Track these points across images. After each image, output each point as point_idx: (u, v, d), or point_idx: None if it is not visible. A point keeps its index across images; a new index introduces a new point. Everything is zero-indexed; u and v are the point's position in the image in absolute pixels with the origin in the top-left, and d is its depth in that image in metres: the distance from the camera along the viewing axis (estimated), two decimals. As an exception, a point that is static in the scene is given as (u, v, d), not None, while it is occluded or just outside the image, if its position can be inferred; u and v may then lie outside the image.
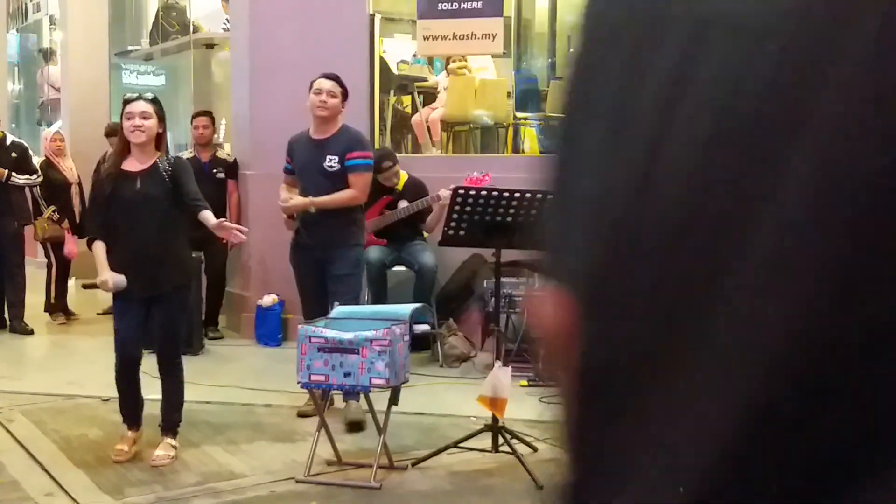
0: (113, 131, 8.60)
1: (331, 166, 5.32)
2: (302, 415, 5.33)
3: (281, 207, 5.51)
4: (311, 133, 5.44)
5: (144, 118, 4.51)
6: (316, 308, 5.27)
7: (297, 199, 5.35)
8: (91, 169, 8.21)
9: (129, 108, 4.55)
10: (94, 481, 4.39)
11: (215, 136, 8.17)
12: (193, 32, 10.14)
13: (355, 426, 5.05)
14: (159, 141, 4.62)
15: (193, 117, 7.99)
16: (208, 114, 8.01)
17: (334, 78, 5.38)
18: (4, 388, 6.06)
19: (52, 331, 8.20)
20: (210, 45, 10.04)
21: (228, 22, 9.26)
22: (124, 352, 4.65)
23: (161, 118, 4.62)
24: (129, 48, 11.33)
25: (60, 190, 8.36)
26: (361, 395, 4.72)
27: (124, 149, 4.60)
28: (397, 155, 7.32)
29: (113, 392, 5.24)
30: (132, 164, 4.56)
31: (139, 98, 4.62)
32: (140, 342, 4.66)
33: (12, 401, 5.73)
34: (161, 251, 4.51)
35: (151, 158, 4.56)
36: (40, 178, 8.21)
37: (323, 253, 5.32)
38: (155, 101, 4.64)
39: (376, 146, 7.76)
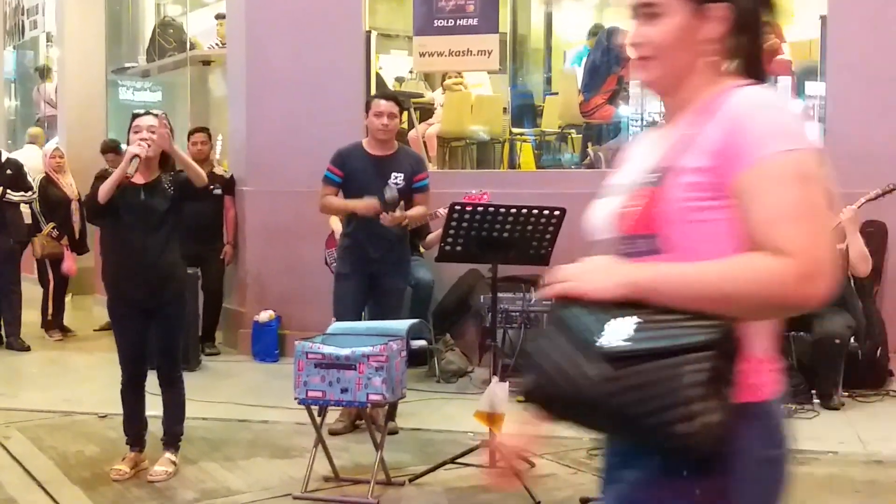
0: (109, 148, 8.64)
1: (396, 183, 5.37)
2: (333, 433, 5.23)
3: (375, 213, 5.23)
4: (367, 149, 5.45)
5: (151, 132, 4.55)
6: (352, 319, 5.29)
7: (398, 213, 5.26)
8: (88, 185, 8.21)
9: (137, 122, 4.60)
10: (91, 498, 4.38)
11: (212, 152, 8.18)
12: (190, 49, 10.17)
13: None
14: (165, 157, 4.63)
15: (190, 134, 8.01)
16: (205, 130, 8.03)
17: (392, 97, 5.47)
18: (1, 405, 6.05)
19: (48, 347, 8.18)
20: (207, 62, 10.07)
21: (222, 45, 9.27)
22: (131, 366, 4.66)
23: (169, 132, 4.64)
24: (126, 65, 11.35)
25: (60, 206, 8.38)
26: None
27: None
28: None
29: (110, 408, 5.26)
30: (136, 177, 4.59)
31: (147, 113, 4.66)
32: (144, 355, 4.68)
33: (9, 418, 5.72)
34: (158, 263, 4.57)
35: (155, 172, 4.60)
36: (35, 196, 8.21)
37: (380, 266, 5.39)
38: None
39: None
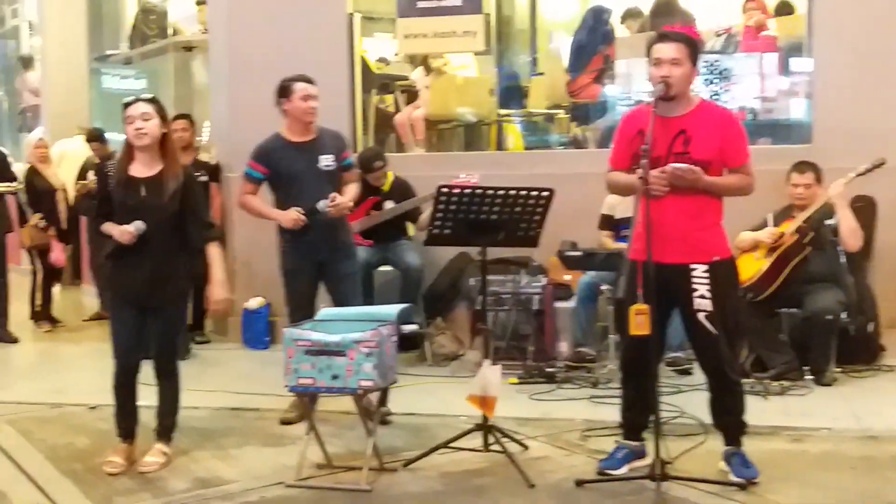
0: (94, 136, 8.57)
1: (328, 166, 5.31)
2: (284, 422, 5.29)
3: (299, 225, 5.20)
4: (289, 137, 5.35)
5: (145, 120, 4.45)
6: (307, 312, 5.24)
7: (342, 200, 5.22)
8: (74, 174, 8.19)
9: (128, 111, 4.45)
10: (82, 490, 4.35)
11: (197, 139, 8.10)
12: (172, 35, 10.07)
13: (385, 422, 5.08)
14: (165, 143, 4.51)
15: (171, 121, 7.91)
16: (187, 117, 7.94)
17: (313, 81, 5.35)
18: (-10, 398, 6.01)
19: (37, 339, 8.13)
20: (189, 48, 9.97)
21: (204, 30, 9.18)
22: (125, 360, 4.58)
23: (163, 118, 4.53)
24: (108, 52, 11.23)
25: (46, 197, 8.33)
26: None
27: (129, 154, 4.50)
28: (382, 155, 7.27)
29: (100, 399, 5.22)
30: (137, 170, 4.48)
31: (138, 100, 4.52)
32: (139, 349, 4.60)
33: (-2, 410, 5.68)
34: (163, 261, 4.46)
35: (159, 164, 4.49)
36: (20, 185, 8.16)
37: (327, 254, 5.32)
38: (154, 101, 4.54)
39: (360, 146, 7.73)
